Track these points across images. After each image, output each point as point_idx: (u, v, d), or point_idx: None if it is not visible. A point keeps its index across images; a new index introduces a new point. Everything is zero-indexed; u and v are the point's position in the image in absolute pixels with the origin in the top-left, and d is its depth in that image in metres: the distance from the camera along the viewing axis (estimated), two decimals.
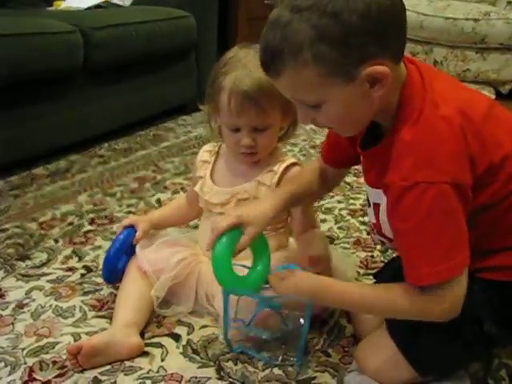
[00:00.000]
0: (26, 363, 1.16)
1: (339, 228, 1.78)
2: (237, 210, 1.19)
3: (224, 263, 1.11)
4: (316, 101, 0.93)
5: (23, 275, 1.48)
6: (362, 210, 1.89)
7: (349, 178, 2.15)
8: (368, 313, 1.13)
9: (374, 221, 1.10)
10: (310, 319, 1.12)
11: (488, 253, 1.00)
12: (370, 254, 1.61)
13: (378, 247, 1.62)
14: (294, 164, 1.32)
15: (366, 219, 1.73)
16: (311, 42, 0.85)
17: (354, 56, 0.86)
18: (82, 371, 1.14)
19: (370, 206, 1.12)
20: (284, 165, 1.31)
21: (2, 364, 1.16)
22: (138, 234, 1.37)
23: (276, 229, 1.34)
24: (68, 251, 1.61)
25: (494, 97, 3.24)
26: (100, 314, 1.33)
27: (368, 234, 1.70)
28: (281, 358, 1.19)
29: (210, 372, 1.15)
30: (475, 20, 3.36)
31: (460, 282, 0.93)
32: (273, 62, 0.90)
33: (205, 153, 1.41)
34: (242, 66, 1.22)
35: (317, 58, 0.86)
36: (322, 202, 1.95)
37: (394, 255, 1.38)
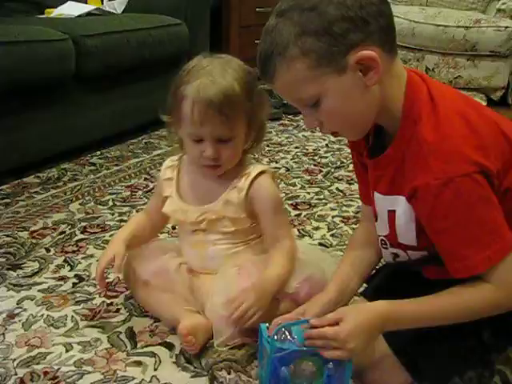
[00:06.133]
0: (16, 374, 1.15)
1: (332, 235, 1.77)
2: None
3: None
4: (313, 95, 0.94)
5: (14, 285, 1.47)
6: (355, 217, 1.89)
7: (342, 186, 2.15)
8: (438, 324, 1.02)
9: (386, 232, 1.08)
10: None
11: None
12: None
13: None
14: (260, 173, 1.27)
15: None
16: (295, 38, 0.90)
17: (340, 44, 0.89)
18: (74, 382, 1.13)
19: (376, 220, 1.10)
20: (250, 178, 1.26)
21: None
22: (116, 267, 1.28)
23: (247, 241, 1.31)
24: (60, 260, 1.59)
25: (485, 103, 3.26)
26: (92, 323, 1.32)
27: None
28: None
29: (204, 381, 1.14)
30: (466, 27, 3.39)
31: None
32: (266, 66, 0.94)
33: (167, 170, 1.35)
34: (206, 74, 1.19)
35: (304, 51, 0.90)
36: (314, 210, 1.95)
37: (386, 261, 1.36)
